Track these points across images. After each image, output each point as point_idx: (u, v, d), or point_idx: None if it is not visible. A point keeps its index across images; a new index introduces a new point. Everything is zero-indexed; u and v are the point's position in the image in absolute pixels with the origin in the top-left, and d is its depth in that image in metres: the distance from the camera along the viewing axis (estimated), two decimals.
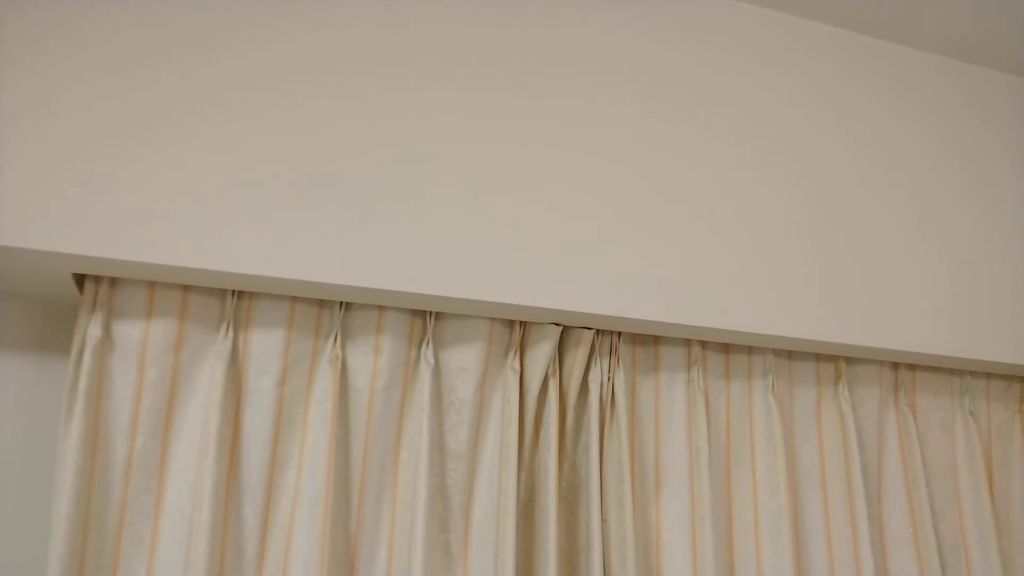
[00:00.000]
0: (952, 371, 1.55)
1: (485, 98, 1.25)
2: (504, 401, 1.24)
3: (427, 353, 1.21)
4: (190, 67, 1.12)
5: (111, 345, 1.08)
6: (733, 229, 1.34)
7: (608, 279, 1.24)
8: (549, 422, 1.25)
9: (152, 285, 1.12)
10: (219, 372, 1.10)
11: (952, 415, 1.53)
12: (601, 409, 1.28)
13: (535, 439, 1.26)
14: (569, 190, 1.26)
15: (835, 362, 1.47)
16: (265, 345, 1.15)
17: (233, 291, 1.15)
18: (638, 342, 1.36)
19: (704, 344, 1.38)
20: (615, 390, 1.29)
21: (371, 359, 1.19)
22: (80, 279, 1.11)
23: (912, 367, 1.53)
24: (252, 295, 1.16)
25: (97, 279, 1.10)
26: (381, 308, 1.21)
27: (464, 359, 1.24)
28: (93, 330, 1.07)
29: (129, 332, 1.09)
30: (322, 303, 1.20)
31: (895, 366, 1.51)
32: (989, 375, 1.57)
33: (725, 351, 1.40)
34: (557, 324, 1.27)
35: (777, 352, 1.42)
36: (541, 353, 1.27)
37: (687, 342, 1.37)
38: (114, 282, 1.10)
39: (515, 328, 1.28)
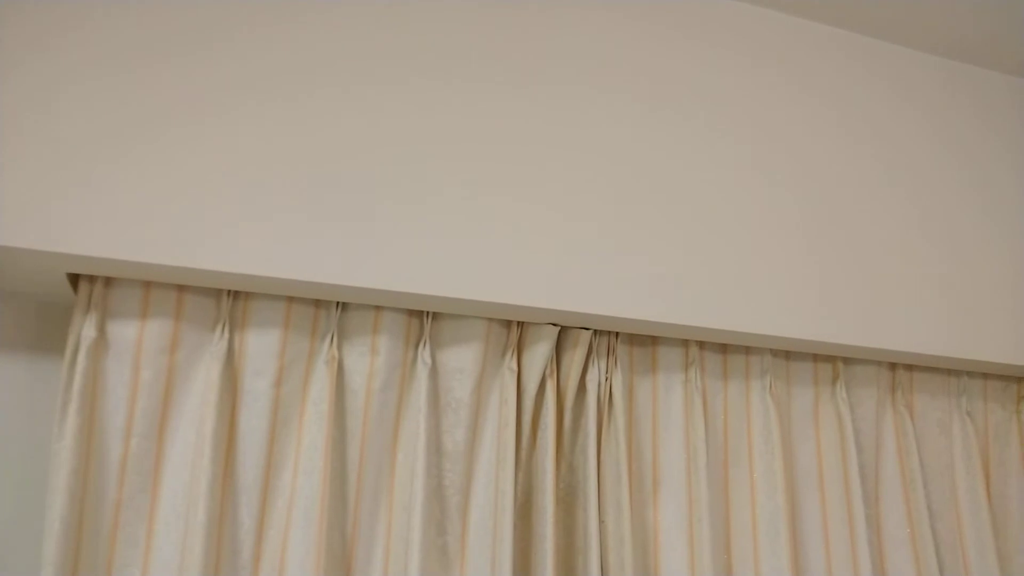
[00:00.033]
0: (949, 371, 1.55)
1: (484, 98, 1.24)
2: (501, 402, 1.24)
3: (424, 354, 1.21)
4: (187, 67, 1.11)
5: (106, 345, 1.08)
6: (731, 229, 1.33)
7: (606, 279, 1.23)
8: (546, 423, 1.24)
9: (147, 285, 1.11)
10: (215, 373, 1.09)
11: (949, 415, 1.53)
12: (599, 410, 1.28)
13: (532, 440, 1.26)
14: (567, 190, 1.25)
15: (833, 362, 1.46)
16: (261, 346, 1.14)
17: (229, 291, 1.15)
18: (636, 342, 1.36)
19: (702, 344, 1.38)
20: (612, 391, 1.29)
21: (368, 360, 1.19)
22: (74, 279, 1.10)
23: (909, 367, 1.53)
24: (248, 295, 1.16)
25: (92, 279, 1.09)
26: (378, 308, 1.21)
27: (461, 359, 1.23)
28: (88, 330, 1.06)
29: (124, 332, 1.09)
30: (318, 303, 1.19)
31: (893, 366, 1.51)
32: (986, 375, 1.57)
33: (723, 351, 1.40)
34: (555, 324, 1.26)
35: (775, 352, 1.42)
36: (538, 353, 1.26)
37: (685, 342, 1.37)
38: (109, 282, 1.10)
39: (512, 328, 1.27)
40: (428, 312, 1.23)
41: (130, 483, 1.06)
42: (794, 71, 1.46)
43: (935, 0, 1.45)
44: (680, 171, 1.33)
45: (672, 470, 1.31)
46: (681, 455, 1.31)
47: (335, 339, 1.17)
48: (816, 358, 1.46)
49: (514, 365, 1.26)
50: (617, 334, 1.32)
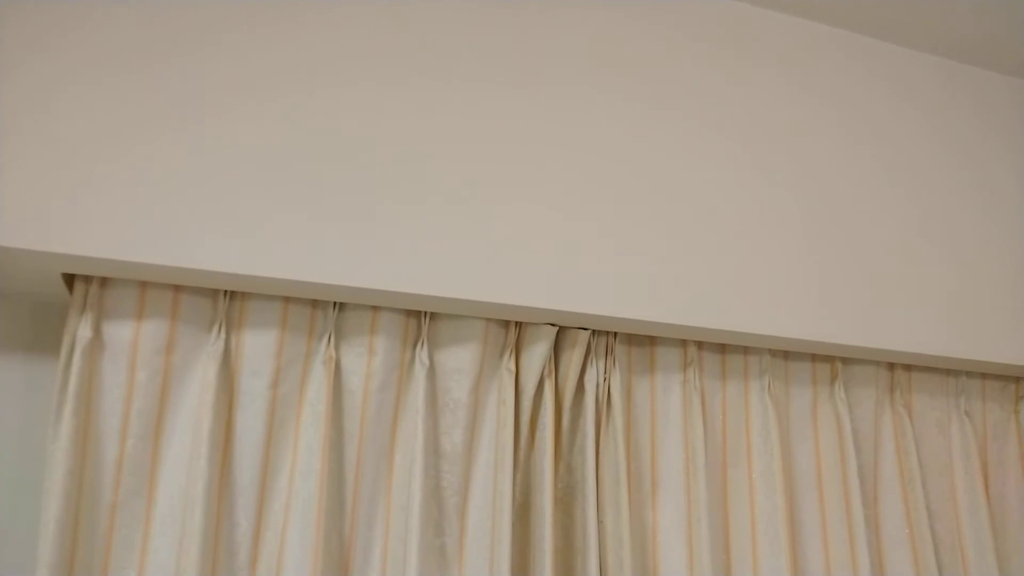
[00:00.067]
0: (948, 371, 1.55)
1: (483, 98, 1.24)
2: (499, 402, 1.23)
3: (422, 354, 1.20)
4: (184, 67, 1.10)
5: (101, 346, 1.07)
6: (730, 229, 1.33)
7: (604, 279, 1.23)
8: (545, 423, 1.24)
9: (143, 285, 1.10)
10: (211, 373, 1.09)
11: (948, 415, 1.53)
12: (597, 410, 1.27)
13: (531, 440, 1.26)
14: (566, 190, 1.25)
15: (831, 362, 1.46)
16: (258, 346, 1.14)
17: (225, 291, 1.14)
18: (634, 343, 1.35)
19: (700, 344, 1.37)
20: (611, 391, 1.28)
21: (365, 360, 1.18)
22: (70, 279, 1.09)
23: (908, 367, 1.53)
24: (244, 295, 1.15)
25: (87, 279, 1.08)
26: (375, 309, 1.20)
27: (459, 360, 1.23)
28: (83, 331, 1.05)
29: (120, 333, 1.08)
30: (315, 303, 1.19)
31: (891, 366, 1.51)
32: (985, 375, 1.57)
33: (721, 351, 1.40)
34: (553, 324, 1.26)
35: (773, 352, 1.42)
36: (537, 354, 1.26)
37: (683, 343, 1.36)
38: (104, 282, 1.09)
39: (510, 329, 1.27)
40: (426, 312, 1.23)
41: (126, 484, 1.06)
42: (794, 71, 1.46)
43: (935, 0, 1.45)
44: (679, 171, 1.33)
45: (671, 470, 1.30)
46: (680, 455, 1.31)
47: (332, 339, 1.17)
48: (815, 358, 1.46)
49: (512, 365, 1.25)
50: (615, 334, 1.32)
